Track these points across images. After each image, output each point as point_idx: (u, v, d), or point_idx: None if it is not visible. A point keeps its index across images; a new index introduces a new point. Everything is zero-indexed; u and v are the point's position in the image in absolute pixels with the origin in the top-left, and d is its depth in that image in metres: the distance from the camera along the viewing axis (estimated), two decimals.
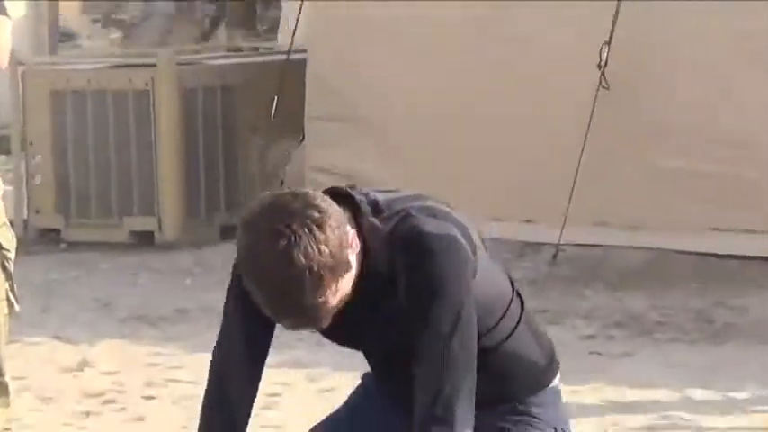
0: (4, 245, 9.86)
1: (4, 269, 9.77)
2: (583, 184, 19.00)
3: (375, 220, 6.44)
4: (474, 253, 6.42)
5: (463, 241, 6.34)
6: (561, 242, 18.67)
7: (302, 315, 6.26)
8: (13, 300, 9.83)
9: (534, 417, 6.97)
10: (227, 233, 20.40)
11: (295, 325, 6.45)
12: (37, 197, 21.28)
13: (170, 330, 16.47)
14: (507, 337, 6.78)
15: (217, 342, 7.08)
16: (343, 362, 13.79)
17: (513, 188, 20.06)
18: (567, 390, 12.99)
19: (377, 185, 7.36)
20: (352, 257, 6.24)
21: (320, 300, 6.19)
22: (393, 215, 6.46)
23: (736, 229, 19.13)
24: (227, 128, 22.02)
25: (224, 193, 21.91)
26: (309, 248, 6.06)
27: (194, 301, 18.06)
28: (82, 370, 14.70)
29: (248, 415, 6.91)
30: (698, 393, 13.46)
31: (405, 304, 6.39)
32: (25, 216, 20.70)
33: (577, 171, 18.96)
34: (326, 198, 6.22)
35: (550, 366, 7.08)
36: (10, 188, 11.67)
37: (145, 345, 15.95)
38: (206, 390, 6.96)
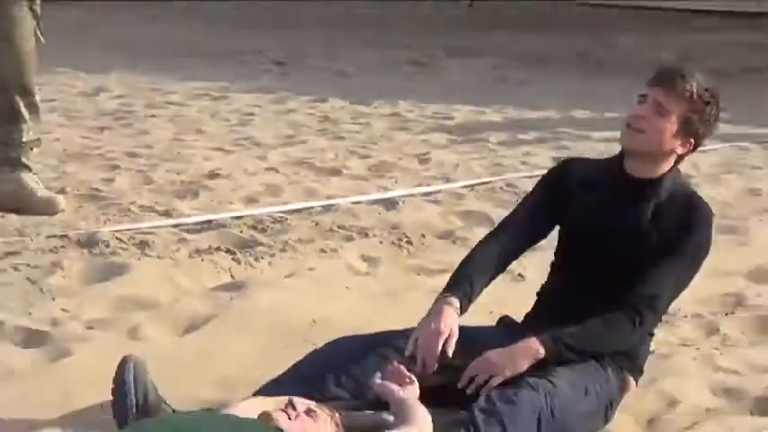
0: None
1: (32, 10, 9.42)
2: None
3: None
4: None
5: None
6: None
7: None
8: (39, 35, 9.46)
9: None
10: None
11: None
12: None
13: (167, 63, 15.90)
14: None
15: (511, 213, 6.75)
16: (302, 89, 14.35)
17: None
18: (475, 110, 13.20)
19: None
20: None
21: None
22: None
23: None
24: None
25: None
26: None
27: (190, 41, 17.71)
28: (98, 95, 14.47)
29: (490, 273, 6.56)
30: (579, 113, 13.51)
31: (670, 226, 6.41)
32: None
33: None
34: None
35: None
36: None
37: (148, 75, 15.49)
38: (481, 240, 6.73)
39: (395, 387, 5.67)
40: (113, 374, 5.60)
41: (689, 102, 6.28)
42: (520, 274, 7.97)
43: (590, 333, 6.14)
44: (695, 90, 6.25)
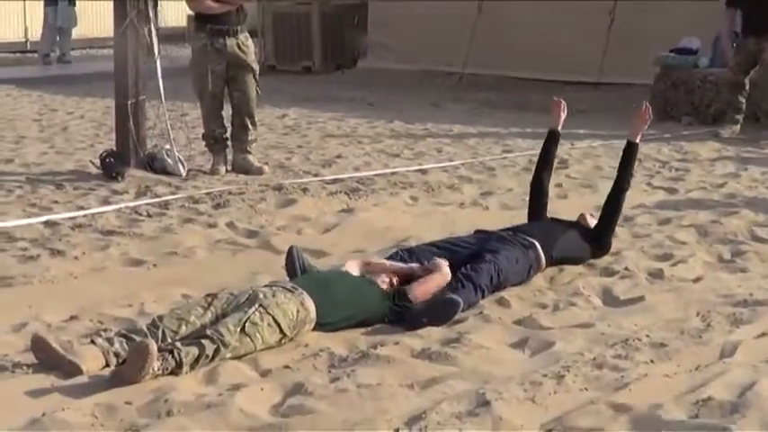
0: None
1: (255, 80, 9.84)
2: None
3: None
4: None
5: None
6: None
7: None
8: (258, 90, 9.90)
9: None
10: None
11: None
12: None
13: (319, 105, 15.45)
14: None
15: None
16: (380, 116, 13.75)
17: None
18: (462, 127, 12.63)
19: None
20: None
21: None
22: None
23: None
24: None
25: None
26: None
27: (322, 94, 17.46)
28: (283, 118, 13.90)
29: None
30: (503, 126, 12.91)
31: None
32: None
33: None
34: None
35: None
36: None
37: (308, 108, 15.13)
38: None
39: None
40: (287, 253, 6.06)
41: None
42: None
43: None
44: None
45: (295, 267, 6.01)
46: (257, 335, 5.15)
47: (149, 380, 4.77)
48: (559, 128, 7.27)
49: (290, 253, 6.09)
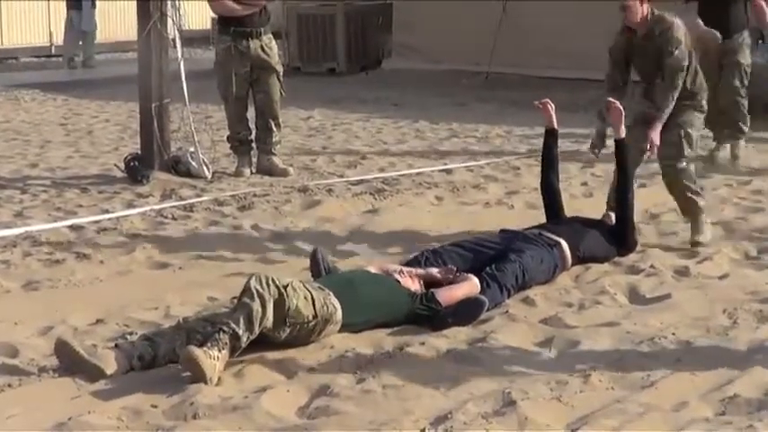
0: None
1: (279, 81, 9.88)
2: None
3: None
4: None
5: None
6: None
7: None
8: (282, 92, 9.90)
9: None
10: None
11: None
12: None
13: (343, 106, 15.47)
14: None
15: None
16: (407, 115, 13.69)
17: None
18: (487, 126, 12.53)
19: None
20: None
21: None
22: None
23: None
24: None
25: None
26: None
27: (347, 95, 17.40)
28: (308, 120, 13.72)
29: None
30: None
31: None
32: None
33: None
34: None
35: None
36: None
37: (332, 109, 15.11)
38: None
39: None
40: (311, 254, 6.15)
41: None
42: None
43: None
44: None
45: (319, 269, 6.04)
46: (293, 300, 5.17)
47: (224, 367, 4.87)
48: (554, 125, 7.29)
49: (314, 254, 6.12)
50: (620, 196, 6.96)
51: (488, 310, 5.80)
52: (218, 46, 9.94)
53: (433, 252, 6.39)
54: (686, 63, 6.98)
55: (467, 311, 5.75)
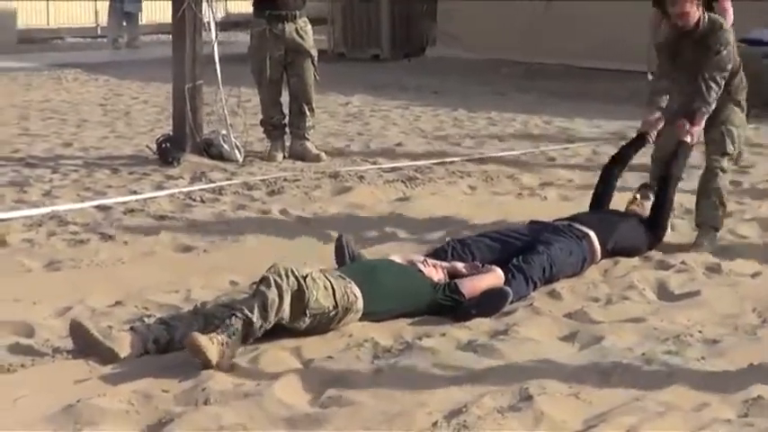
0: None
1: (313, 65, 9.78)
2: None
3: None
4: None
5: None
6: None
7: None
8: (316, 76, 9.80)
9: None
10: None
11: None
12: None
13: (381, 92, 15.49)
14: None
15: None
16: (446, 103, 13.64)
17: None
18: (525, 115, 12.45)
19: None
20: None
21: None
22: None
23: None
24: None
25: None
26: None
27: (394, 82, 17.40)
28: (347, 105, 13.79)
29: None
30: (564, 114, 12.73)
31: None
32: None
33: None
34: None
35: None
36: None
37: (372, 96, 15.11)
38: None
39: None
40: (335, 241, 6.07)
41: None
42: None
43: None
44: None
45: (344, 256, 5.98)
46: (313, 291, 5.10)
47: (235, 353, 4.83)
48: (650, 135, 7.15)
49: (338, 242, 6.05)
50: (661, 186, 6.90)
51: (513, 302, 5.71)
52: (253, 29, 9.90)
53: (461, 242, 6.32)
54: (731, 65, 6.95)
55: (490, 303, 5.66)
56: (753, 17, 13.29)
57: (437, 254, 6.19)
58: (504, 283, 5.82)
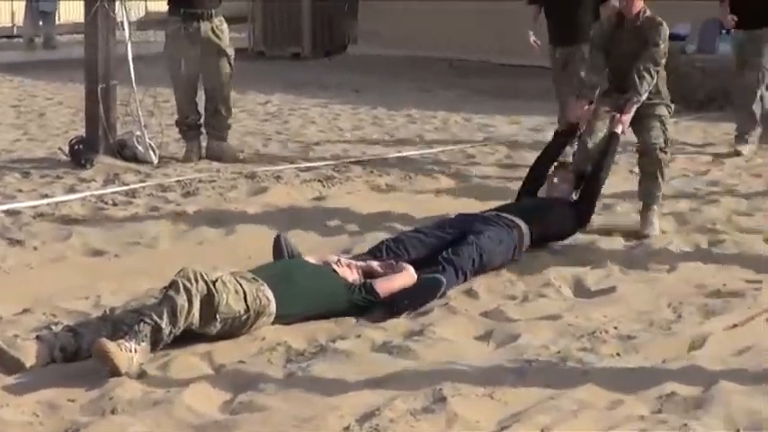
0: None
1: (229, 64, 9.59)
2: None
3: None
4: None
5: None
6: None
7: None
8: (232, 70, 9.62)
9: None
10: None
11: None
12: None
13: (303, 91, 15.28)
14: None
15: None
16: (368, 102, 13.60)
17: None
18: (447, 111, 12.48)
19: None
20: None
21: None
22: None
23: None
24: None
25: None
26: None
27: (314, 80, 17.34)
28: (266, 104, 13.62)
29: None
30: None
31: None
32: None
33: None
34: None
35: None
36: None
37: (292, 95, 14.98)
38: None
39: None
40: (274, 240, 5.95)
41: None
42: None
43: None
44: None
45: (283, 255, 5.92)
46: (223, 295, 5.03)
47: (145, 360, 4.75)
48: (578, 127, 7.29)
49: (277, 241, 6.00)
50: (592, 178, 7.03)
51: (444, 293, 5.72)
52: (168, 28, 9.74)
53: (395, 240, 6.34)
54: (664, 61, 7.12)
55: (422, 292, 5.69)
56: (675, 14, 13.44)
57: (372, 252, 6.19)
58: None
